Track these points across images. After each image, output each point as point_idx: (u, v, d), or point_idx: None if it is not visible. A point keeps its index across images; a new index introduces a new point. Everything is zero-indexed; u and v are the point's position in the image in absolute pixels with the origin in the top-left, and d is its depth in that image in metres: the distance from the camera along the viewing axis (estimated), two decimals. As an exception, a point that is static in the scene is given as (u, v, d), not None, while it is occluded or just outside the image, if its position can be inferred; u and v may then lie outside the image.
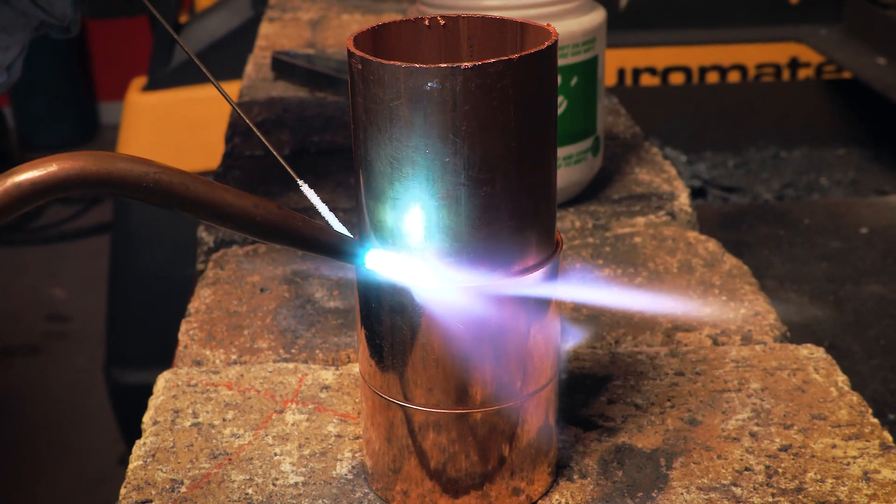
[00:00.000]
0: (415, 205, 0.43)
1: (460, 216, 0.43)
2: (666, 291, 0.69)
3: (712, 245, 0.75)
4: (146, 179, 0.37)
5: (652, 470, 0.51)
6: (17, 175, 0.35)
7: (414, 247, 0.43)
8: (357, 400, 0.57)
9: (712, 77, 1.65)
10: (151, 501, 0.50)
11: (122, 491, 0.51)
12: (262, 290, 0.70)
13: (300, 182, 0.45)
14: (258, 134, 0.45)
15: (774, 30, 1.61)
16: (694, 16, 1.60)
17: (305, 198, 0.45)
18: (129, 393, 1.92)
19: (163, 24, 0.42)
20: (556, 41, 0.44)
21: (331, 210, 0.45)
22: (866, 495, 0.49)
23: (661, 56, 1.63)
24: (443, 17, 0.48)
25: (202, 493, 0.51)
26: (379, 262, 0.44)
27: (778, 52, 1.64)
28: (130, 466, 0.53)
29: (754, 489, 0.50)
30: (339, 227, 0.44)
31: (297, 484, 0.51)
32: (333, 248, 0.43)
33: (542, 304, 0.46)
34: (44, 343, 2.68)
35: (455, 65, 0.40)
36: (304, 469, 0.52)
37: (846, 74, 1.54)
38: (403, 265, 0.44)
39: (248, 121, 0.44)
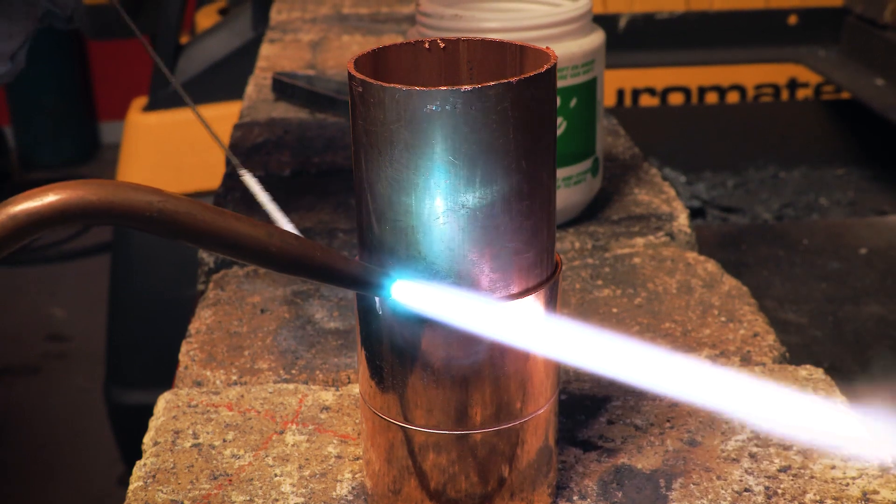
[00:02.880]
0: (414, 226, 0.43)
1: (460, 238, 0.43)
2: (665, 312, 0.69)
3: (711, 266, 0.75)
4: (150, 209, 0.35)
5: (651, 491, 0.51)
6: (12, 206, 0.33)
7: (413, 269, 0.44)
8: (357, 421, 0.58)
9: (711, 97, 1.65)
10: (151, 522, 0.50)
11: (123, 512, 0.51)
12: (262, 311, 0.70)
13: (235, 161, 0.45)
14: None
15: (773, 50, 1.61)
16: (692, 36, 1.60)
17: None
18: (128, 413, 1.92)
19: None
20: (556, 64, 0.44)
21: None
22: (866, 516, 0.49)
23: (660, 76, 1.64)
24: (442, 39, 0.48)
25: (202, 514, 0.51)
26: (405, 294, 0.43)
27: (777, 73, 1.65)
28: (131, 487, 0.53)
29: (754, 510, 0.50)
30: (275, 211, 0.43)
31: (297, 505, 0.51)
32: (357, 280, 0.41)
33: (542, 325, 0.46)
34: (44, 363, 2.68)
35: (455, 87, 0.41)
36: (304, 490, 0.52)
37: (845, 95, 1.54)
38: (427, 296, 0.43)
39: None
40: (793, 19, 1.60)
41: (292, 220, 0.82)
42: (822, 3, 1.60)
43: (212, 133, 0.45)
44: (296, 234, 0.39)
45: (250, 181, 0.43)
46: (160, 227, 0.35)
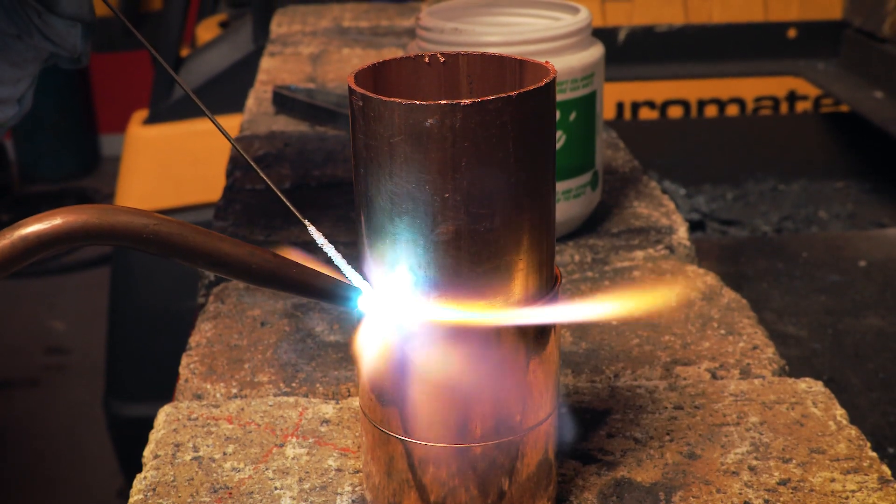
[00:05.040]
0: (415, 240, 0.43)
1: (460, 252, 0.43)
2: (664, 325, 0.69)
3: (711, 279, 0.75)
4: (146, 231, 0.38)
5: (651, 504, 0.51)
6: (23, 228, 0.37)
7: (414, 281, 0.44)
8: (357, 434, 0.58)
9: (711, 110, 1.65)
10: (151, 536, 0.50)
11: (123, 525, 0.51)
12: (262, 324, 0.70)
13: (304, 221, 0.45)
14: (260, 173, 0.45)
15: (772, 63, 1.62)
16: (692, 49, 1.61)
17: (307, 232, 0.45)
18: (128, 426, 1.92)
19: (162, 64, 0.43)
20: (555, 78, 0.44)
21: (331, 243, 0.46)
22: (865, 529, 0.49)
23: (659, 90, 1.64)
24: (442, 54, 0.48)
25: (202, 527, 0.51)
26: (370, 305, 0.45)
27: (776, 86, 1.66)
28: (131, 500, 0.53)
29: (753, 523, 0.50)
30: (341, 263, 0.45)
31: (297, 518, 0.51)
32: (326, 293, 0.44)
33: (542, 339, 0.46)
34: (43, 375, 2.67)
35: (454, 101, 0.41)
36: (304, 503, 0.52)
37: (844, 108, 1.55)
38: (393, 306, 0.44)
39: (249, 159, 0.44)
40: (792, 32, 1.61)
41: (292, 234, 0.83)
42: (822, 16, 1.61)
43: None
44: (273, 253, 0.42)
45: (313, 231, 0.45)
46: (155, 247, 0.39)
